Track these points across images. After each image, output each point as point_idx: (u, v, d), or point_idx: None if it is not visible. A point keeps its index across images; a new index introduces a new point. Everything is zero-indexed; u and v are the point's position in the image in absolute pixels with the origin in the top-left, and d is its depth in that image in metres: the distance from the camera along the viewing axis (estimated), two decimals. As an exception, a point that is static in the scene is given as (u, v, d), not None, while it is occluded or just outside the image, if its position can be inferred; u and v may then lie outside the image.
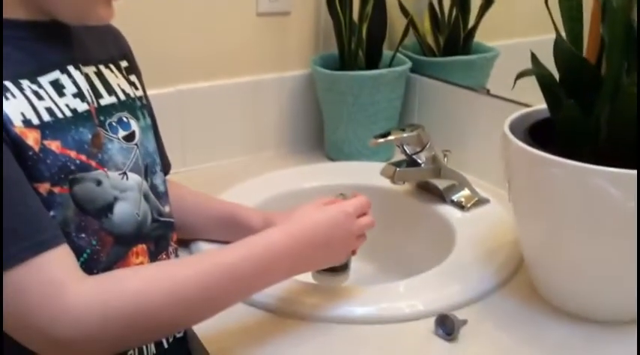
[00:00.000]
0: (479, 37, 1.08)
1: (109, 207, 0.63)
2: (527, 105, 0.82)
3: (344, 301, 0.73)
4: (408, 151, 0.92)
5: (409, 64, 1.11)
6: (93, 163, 0.62)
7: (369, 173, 1.05)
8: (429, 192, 0.98)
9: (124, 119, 0.68)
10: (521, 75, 0.70)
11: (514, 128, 0.72)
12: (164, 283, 0.56)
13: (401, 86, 1.12)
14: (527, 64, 0.69)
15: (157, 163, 0.72)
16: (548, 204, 0.67)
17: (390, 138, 0.89)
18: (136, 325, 0.54)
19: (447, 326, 0.68)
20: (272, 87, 1.18)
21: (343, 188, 1.01)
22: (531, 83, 0.71)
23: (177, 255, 0.75)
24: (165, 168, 0.83)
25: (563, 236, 0.68)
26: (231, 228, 0.83)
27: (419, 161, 0.93)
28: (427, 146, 0.92)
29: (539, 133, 0.71)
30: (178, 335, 0.72)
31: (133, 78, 0.73)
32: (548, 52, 0.67)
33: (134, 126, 0.69)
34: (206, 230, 0.85)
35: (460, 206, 0.94)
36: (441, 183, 0.95)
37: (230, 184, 1.02)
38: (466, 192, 0.96)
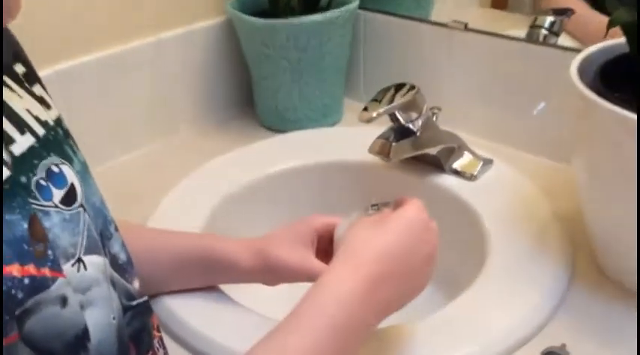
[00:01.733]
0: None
1: (84, 334, 0.37)
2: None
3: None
4: (402, 120, 0.72)
5: (357, 0, 0.88)
6: (47, 271, 0.35)
7: (338, 143, 0.85)
8: (420, 161, 0.79)
9: (54, 169, 0.41)
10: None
11: (582, 73, 0.56)
12: None
13: (350, 29, 0.89)
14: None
15: (109, 221, 0.46)
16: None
17: (388, 107, 0.68)
18: None
19: (555, 364, 0.52)
20: (177, 45, 0.90)
21: (317, 168, 0.81)
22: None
23: (165, 350, 0.50)
24: None
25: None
26: (207, 271, 0.60)
27: (413, 129, 0.73)
28: (424, 111, 0.73)
29: (612, 75, 0.56)
30: None
31: (38, 90, 0.45)
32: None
33: (69, 175, 0.42)
34: (172, 279, 0.61)
35: (465, 175, 0.77)
36: (436, 150, 0.77)
37: (150, 192, 0.77)
38: (467, 156, 0.78)
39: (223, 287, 0.63)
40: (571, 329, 0.57)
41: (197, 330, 0.58)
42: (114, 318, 0.41)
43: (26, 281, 0.33)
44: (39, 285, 0.34)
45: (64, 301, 0.36)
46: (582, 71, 0.58)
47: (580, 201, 0.63)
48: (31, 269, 0.34)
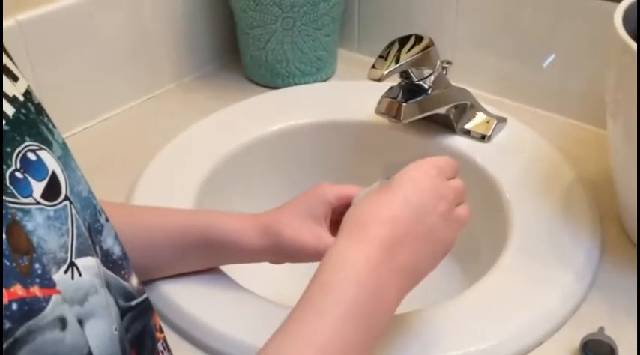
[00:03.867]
0: None
1: (87, 357, 0.31)
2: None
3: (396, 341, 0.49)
4: (414, 77, 0.65)
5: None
6: (37, 290, 0.28)
7: (337, 100, 0.78)
8: (428, 120, 0.73)
9: (31, 156, 0.33)
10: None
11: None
12: None
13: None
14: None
15: (98, 211, 0.39)
16: None
17: (402, 63, 0.61)
18: None
19: (597, 352, 0.48)
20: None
21: (316, 127, 0.73)
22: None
23: (169, 352, 0.44)
24: None
25: None
26: (208, 253, 0.54)
27: (425, 86, 0.67)
28: (437, 66, 0.65)
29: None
30: None
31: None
32: None
33: (49, 162, 0.34)
34: (168, 263, 0.54)
35: (478, 136, 0.71)
36: (446, 109, 0.70)
37: (130, 159, 0.70)
38: (480, 115, 0.72)
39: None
40: (606, 310, 0.52)
41: (197, 319, 0.52)
42: (116, 329, 0.35)
43: (14, 306, 0.27)
44: (30, 309, 0.27)
45: (62, 323, 0.29)
46: (625, 21, 0.52)
47: (612, 165, 0.58)
48: (17, 290, 0.27)
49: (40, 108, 0.37)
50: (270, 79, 0.84)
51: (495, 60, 0.79)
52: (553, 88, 0.76)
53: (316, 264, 0.42)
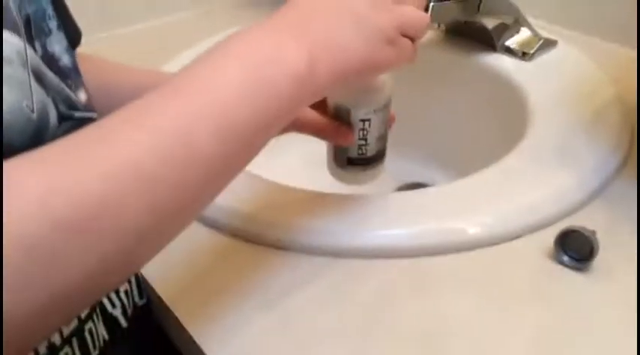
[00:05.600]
0: None
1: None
2: None
3: (373, 220, 0.46)
4: (446, -26, 0.61)
5: None
6: None
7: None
8: (469, 36, 0.68)
9: None
10: None
11: None
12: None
13: None
14: None
15: (49, 16, 0.40)
16: None
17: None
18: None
19: (575, 248, 0.42)
20: None
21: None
22: None
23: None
24: (73, 35, 0.51)
25: None
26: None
27: (460, -10, 0.63)
28: (474, -35, 0.61)
29: None
30: (140, 302, 0.44)
31: None
32: None
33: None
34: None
35: (519, 53, 0.65)
36: (487, 22, 0.65)
37: (174, 52, 0.70)
38: (525, 32, 0.67)
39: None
40: (606, 221, 0.46)
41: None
42: (29, 108, 0.35)
43: None
44: None
45: None
46: None
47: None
48: None
49: None
50: None
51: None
52: (611, 14, 0.68)
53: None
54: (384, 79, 0.44)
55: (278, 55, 0.32)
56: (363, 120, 0.44)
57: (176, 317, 0.39)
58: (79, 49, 0.53)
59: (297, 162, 0.68)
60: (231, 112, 0.30)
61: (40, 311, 0.24)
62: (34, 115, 0.36)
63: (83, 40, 0.53)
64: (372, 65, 0.36)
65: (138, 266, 0.29)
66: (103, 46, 0.75)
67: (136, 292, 0.43)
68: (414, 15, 0.38)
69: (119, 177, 0.26)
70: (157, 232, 0.28)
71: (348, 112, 0.43)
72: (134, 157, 0.26)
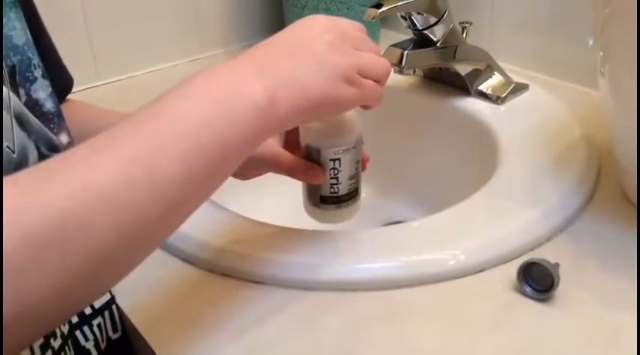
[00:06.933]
0: None
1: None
2: None
3: (348, 255, 0.47)
4: (418, 24, 0.65)
5: None
6: None
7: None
8: (445, 81, 0.72)
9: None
10: None
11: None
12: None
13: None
14: None
15: (34, 66, 0.43)
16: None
17: (395, 5, 0.61)
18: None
19: (537, 280, 0.44)
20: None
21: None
22: None
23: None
24: (64, 82, 0.54)
25: None
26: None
27: (433, 38, 0.66)
28: (445, 16, 0.65)
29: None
30: (114, 336, 0.46)
31: None
32: None
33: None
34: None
35: (493, 97, 0.68)
36: (461, 68, 0.69)
37: None
38: (497, 77, 0.70)
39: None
40: (570, 254, 0.48)
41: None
42: (10, 149, 0.38)
43: None
44: None
45: None
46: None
47: (607, 119, 0.54)
48: None
49: None
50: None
51: (526, 32, 0.76)
52: (581, 58, 0.71)
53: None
54: (352, 120, 0.46)
55: (238, 89, 0.34)
56: (333, 160, 0.46)
57: (150, 348, 0.40)
58: (70, 96, 0.56)
59: (288, 201, 0.70)
60: (191, 140, 0.32)
61: (9, 322, 0.26)
62: (14, 156, 0.38)
63: (76, 87, 0.56)
64: (331, 100, 0.38)
65: (105, 286, 0.31)
66: (97, 95, 0.78)
67: (109, 326, 0.45)
68: (373, 59, 0.41)
69: (83, 197, 0.28)
70: (123, 253, 0.30)
71: (318, 152, 0.46)
72: (98, 182, 0.29)
